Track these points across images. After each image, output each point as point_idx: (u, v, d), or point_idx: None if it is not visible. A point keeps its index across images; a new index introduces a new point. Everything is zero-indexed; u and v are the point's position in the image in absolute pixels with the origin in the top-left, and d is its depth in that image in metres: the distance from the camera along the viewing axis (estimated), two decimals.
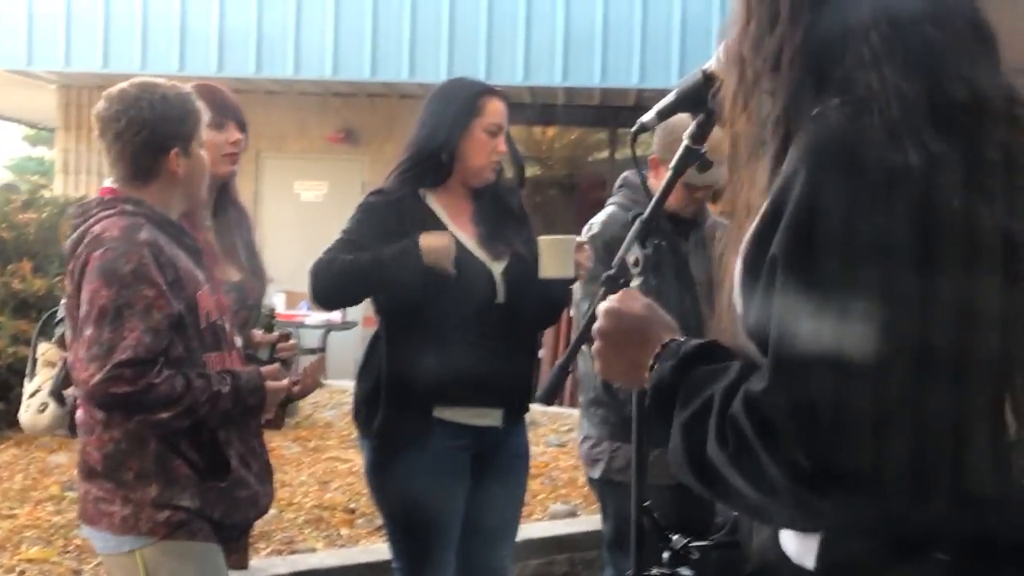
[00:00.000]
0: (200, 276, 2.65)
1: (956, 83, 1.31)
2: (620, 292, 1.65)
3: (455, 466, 3.24)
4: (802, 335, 1.22)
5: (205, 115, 3.03)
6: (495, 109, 3.23)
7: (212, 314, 2.63)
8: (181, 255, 2.61)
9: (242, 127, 3.19)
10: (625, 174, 3.61)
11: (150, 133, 2.61)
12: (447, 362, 3.09)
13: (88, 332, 2.48)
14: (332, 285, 3.16)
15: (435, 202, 3.23)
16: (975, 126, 1.29)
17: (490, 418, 3.26)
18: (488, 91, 3.28)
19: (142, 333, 2.45)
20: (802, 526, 1.34)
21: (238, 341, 2.77)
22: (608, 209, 3.52)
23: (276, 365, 2.79)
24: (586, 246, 3.17)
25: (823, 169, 1.26)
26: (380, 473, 3.28)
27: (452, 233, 3.19)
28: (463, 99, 3.23)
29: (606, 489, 3.47)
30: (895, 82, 1.29)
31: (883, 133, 1.26)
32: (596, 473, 3.45)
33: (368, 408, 3.25)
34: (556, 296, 3.29)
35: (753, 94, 1.42)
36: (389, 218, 3.15)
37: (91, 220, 2.60)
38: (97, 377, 2.44)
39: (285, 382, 2.73)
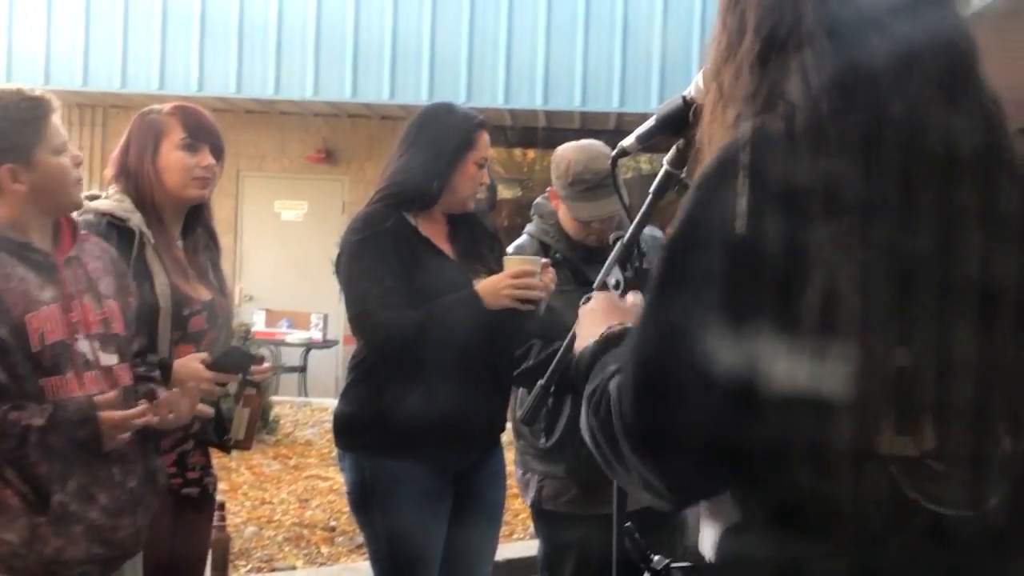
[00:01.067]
0: (42, 294, 2.44)
1: (890, 108, 1.32)
2: (605, 294, 1.75)
3: (439, 488, 3.26)
4: (648, 324, 1.37)
5: (176, 135, 3.01)
6: (485, 142, 3.30)
7: (49, 335, 2.42)
8: (17, 274, 2.43)
9: (217, 153, 3.06)
10: (537, 201, 3.64)
11: None
12: (437, 385, 3.11)
13: None
14: (410, 346, 3.13)
15: (422, 228, 3.26)
16: (895, 157, 1.31)
17: (475, 444, 3.30)
18: (481, 124, 3.32)
19: None
20: (649, 496, 1.43)
21: (107, 359, 2.53)
22: (522, 237, 3.57)
23: (112, 394, 2.47)
24: (551, 268, 3.20)
25: (703, 181, 1.36)
26: (363, 495, 3.29)
27: (447, 258, 3.24)
28: (461, 132, 3.26)
29: (538, 516, 3.55)
30: (812, 97, 1.33)
31: (778, 148, 1.31)
32: (528, 500, 3.53)
33: (353, 428, 3.27)
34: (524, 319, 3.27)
35: (723, 108, 1.45)
36: (387, 248, 3.18)
37: None
38: None
39: (132, 411, 2.46)
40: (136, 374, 2.65)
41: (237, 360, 2.91)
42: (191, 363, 2.82)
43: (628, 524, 1.66)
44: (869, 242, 1.28)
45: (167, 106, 3.08)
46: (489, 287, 3.12)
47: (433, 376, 3.09)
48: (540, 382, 2.03)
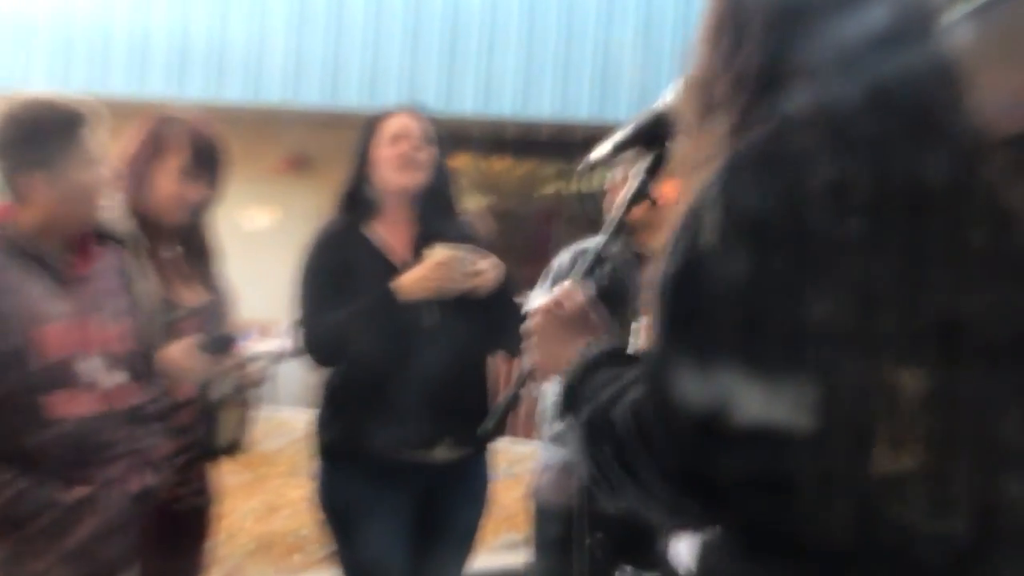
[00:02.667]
0: (54, 309, 2.43)
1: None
2: (561, 287, 1.71)
3: (401, 517, 3.22)
4: (667, 353, 1.32)
5: (180, 157, 2.97)
6: (391, 123, 3.26)
7: (58, 351, 2.40)
8: (27, 287, 2.41)
9: (214, 185, 3.08)
10: None
11: (13, 154, 2.46)
12: (379, 394, 3.09)
13: None
14: (325, 349, 3.18)
15: (375, 232, 3.23)
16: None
17: (438, 451, 3.24)
18: (383, 113, 3.32)
19: None
20: (677, 524, 1.43)
21: (115, 379, 2.53)
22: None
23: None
24: (493, 259, 3.18)
25: (707, 198, 1.33)
26: (328, 518, 3.27)
27: (386, 259, 3.20)
28: (364, 129, 3.30)
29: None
30: (813, 111, 1.33)
31: (778, 162, 1.31)
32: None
33: (322, 450, 3.27)
34: (498, 319, 3.24)
35: (711, 115, 1.46)
36: (328, 256, 3.16)
37: None
38: None
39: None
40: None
41: (224, 342, 2.96)
42: (186, 345, 2.86)
43: (599, 534, 1.65)
44: (860, 273, 1.28)
45: (185, 119, 3.02)
46: (408, 278, 3.09)
47: (374, 381, 3.08)
48: (504, 394, 2.02)
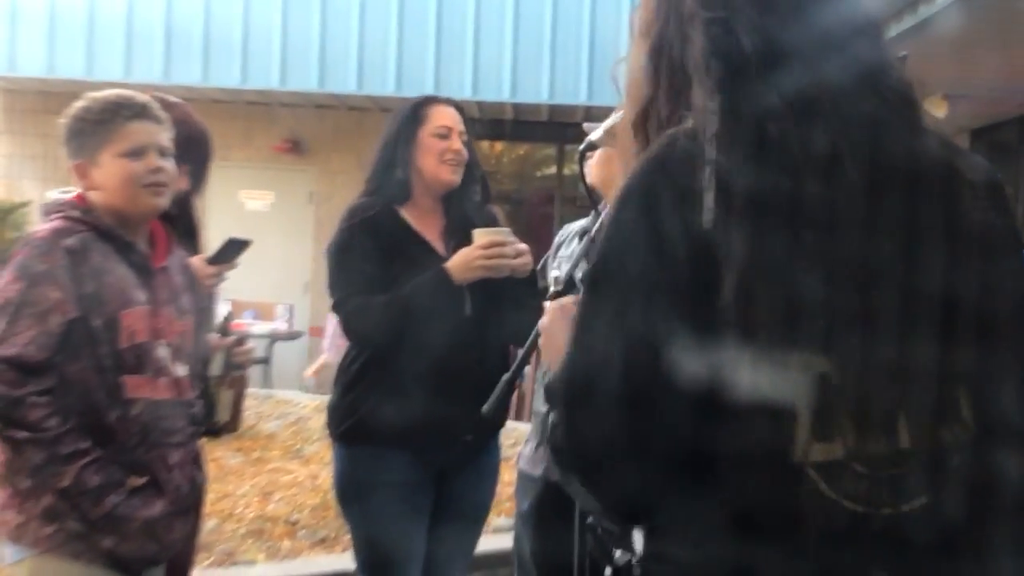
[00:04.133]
0: (137, 296, 2.58)
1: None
2: (569, 298, 1.73)
3: (419, 483, 3.23)
4: (575, 337, 1.39)
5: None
6: (440, 113, 3.25)
7: (139, 335, 2.55)
8: (118, 271, 2.56)
9: (201, 171, 3.13)
10: None
11: (68, 146, 2.63)
12: (420, 377, 3.09)
13: None
14: (376, 331, 3.15)
15: (411, 219, 3.24)
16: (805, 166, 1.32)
17: (456, 438, 3.25)
18: (430, 99, 3.31)
19: (36, 334, 2.43)
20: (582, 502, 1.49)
21: (179, 370, 2.66)
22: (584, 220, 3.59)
23: None
24: (521, 244, 3.19)
25: (617, 197, 1.38)
26: (345, 485, 3.28)
27: (430, 246, 3.22)
28: (406, 112, 3.27)
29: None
30: (712, 108, 1.35)
31: (676, 161, 1.34)
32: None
33: (336, 419, 3.26)
34: (525, 310, 3.24)
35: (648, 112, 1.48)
36: (369, 237, 3.16)
37: (44, 221, 2.62)
38: None
39: None
40: None
41: (234, 250, 3.13)
42: (193, 262, 2.97)
43: (591, 520, 1.65)
44: (782, 249, 1.30)
45: (172, 104, 3.04)
46: (459, 261, 3.11)
47: (413, 366, 3.08)
48: (505, 376, 2.03)
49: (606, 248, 1.38)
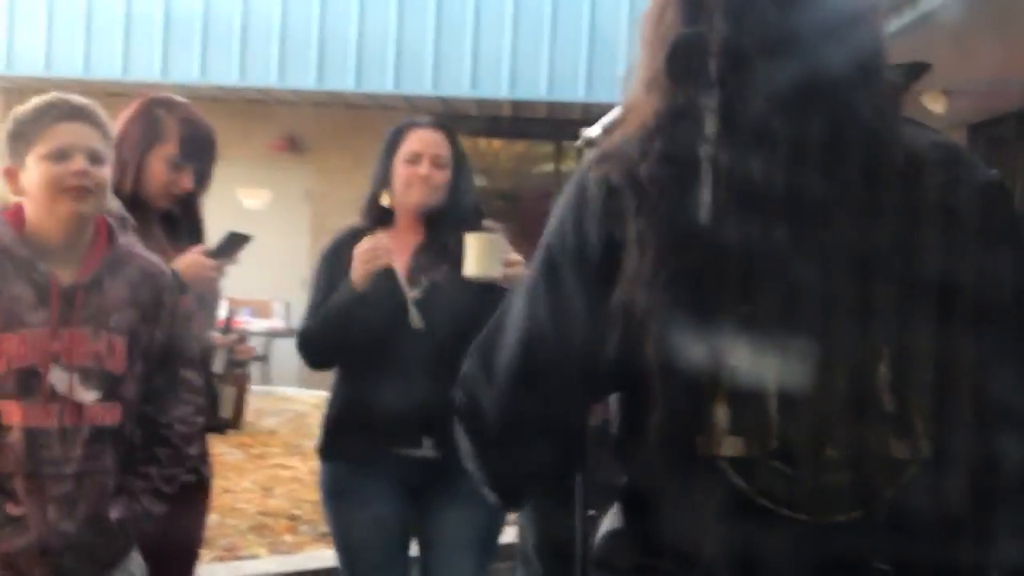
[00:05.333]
0: (31, 317, 2.37)
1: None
2: None
3: (397, 493, 3.24)
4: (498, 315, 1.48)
5: (173, 144, 2.98)
6: (413, 138, 3.27)
7: (19, 359, 2.35)
8: (13, 290, 2.37)
9: (205, 171, 3.11)
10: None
11: (5, 148, 2.45)
12: (363, 391, 3.14)
13: None
14: (319, 352, 3.26)
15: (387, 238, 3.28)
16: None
17: (423, 448, 3.25)
18: (409, 125, 3.33)
19: None
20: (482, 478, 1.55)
21: (84, 395, 2.41)
22: None
23: None
24: (513, 255, 3.15)
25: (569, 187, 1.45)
26: (325, 499, 3.34)
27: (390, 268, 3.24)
28: (387, 140, 3.32)
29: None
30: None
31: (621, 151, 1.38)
32: None
33: (322, 432, 3.32)
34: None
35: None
36: (335, 262, 3.23)
37: None
38: None
39: None
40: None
41: (234, 243, 3.06)
42: (193, 256, 2.93)
43: (592, 513, 1.66)
44: (698, 232, 1.30)
45: (178, 104, 3.05)
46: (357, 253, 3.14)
47: (363, 381, 3.15)
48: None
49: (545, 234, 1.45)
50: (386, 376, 3.12)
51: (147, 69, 10.60)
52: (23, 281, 2.37)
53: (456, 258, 3.10)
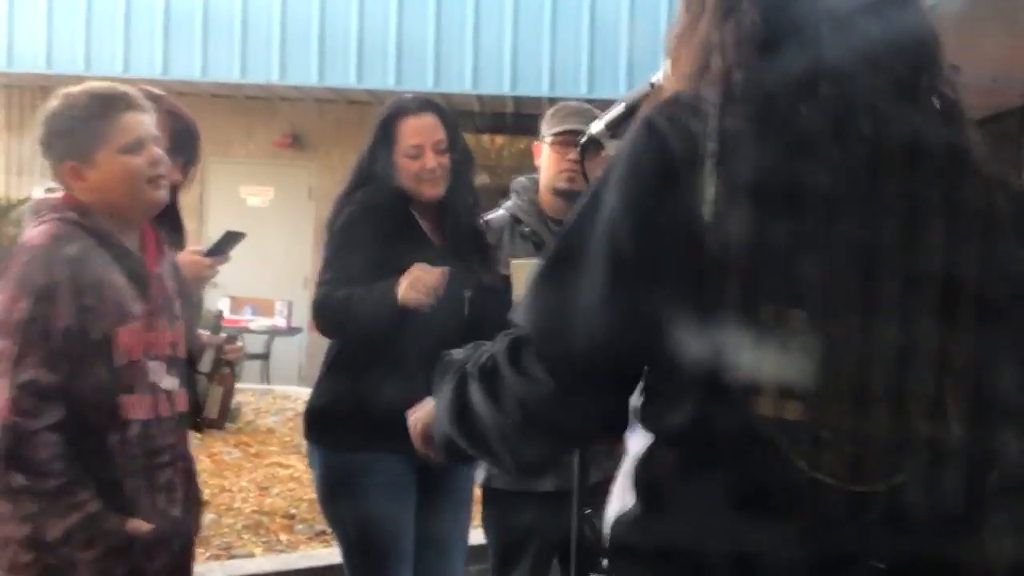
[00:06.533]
0: (134, 309, 2.40)
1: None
2: None
3: (406, 478, 3.21)
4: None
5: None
6: (409, 130, 3.21)
7: (134, 352, 2.39)
8: (116, 281, 2.39)
9: (190, 166, 3.08)
10: (517, 179, 3.71)
11: (51, 147, 2.46)
12: (408, 382, 3.08)
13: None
14: (333, 326, 3.18)
15: (416, 212, 3.25)
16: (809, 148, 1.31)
17: None
18: (397, 113, 3.25)
19: (46, 354, 2.27)
20: (530, 456, 1.52)
21: (169, 383, 2.50)
22: (495, 212, 3.59)
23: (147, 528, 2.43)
24: None
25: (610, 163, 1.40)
26: (331, 490, 3.27)
27: (429, 238, 3.22)
28: (378, 132, 3.24)
29: (489, 497, 3.45)
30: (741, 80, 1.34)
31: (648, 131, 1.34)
32: (479, 479, 3.43)
33: (323, 422, 3.25)
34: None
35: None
36: (374, 224, 3.15)
37: (35, 223, 2.45)
38: (7, 394, 2.25)
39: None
40: None
41: (229, 242, 3.12)
42: (189, 256, 2.96)
43: (588, 510, 1.65)
44: (767, 210, 1.28)
45: (161, 98, 2.99)
46: (405, 283, 3.06)
47: (391, 366, 3.06)
48: None
49: (579, 212, 1.40)
50: (404, 344, 3.06)
51: (148, 66, 10.58)
52: (121, 271, 2.41)
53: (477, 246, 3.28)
